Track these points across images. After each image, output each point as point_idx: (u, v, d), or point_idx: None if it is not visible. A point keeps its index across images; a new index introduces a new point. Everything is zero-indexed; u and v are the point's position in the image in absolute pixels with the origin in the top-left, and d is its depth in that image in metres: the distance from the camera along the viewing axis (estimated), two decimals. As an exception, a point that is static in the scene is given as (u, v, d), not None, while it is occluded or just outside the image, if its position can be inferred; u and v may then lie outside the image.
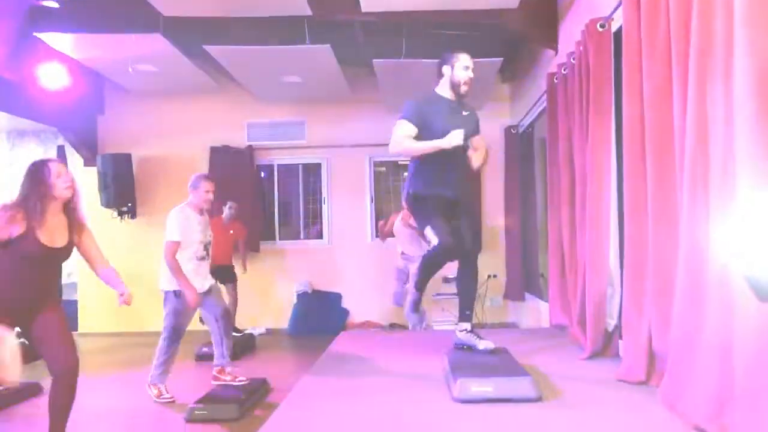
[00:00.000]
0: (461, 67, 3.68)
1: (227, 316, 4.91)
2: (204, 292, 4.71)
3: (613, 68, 3.92)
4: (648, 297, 3.19)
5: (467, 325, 3.86)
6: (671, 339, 2.80)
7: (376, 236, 7.11)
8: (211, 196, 4.76)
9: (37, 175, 3.18)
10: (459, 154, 3.68)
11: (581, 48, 4.26)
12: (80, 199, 3.33)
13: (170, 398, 4.63)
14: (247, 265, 7.33)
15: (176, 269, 4.52)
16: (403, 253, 6.75)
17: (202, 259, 4.72)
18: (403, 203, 6.64)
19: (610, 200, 3.98)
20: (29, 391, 4.82)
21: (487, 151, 3.90)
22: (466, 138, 3.65)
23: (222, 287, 6.00)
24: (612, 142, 3.96)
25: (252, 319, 8.09)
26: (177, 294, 4.57)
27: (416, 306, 4.12)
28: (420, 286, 4.01)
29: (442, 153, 3.57)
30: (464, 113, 3.77)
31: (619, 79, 3.59)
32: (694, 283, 2.58)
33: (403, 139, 3.64)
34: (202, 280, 4.69)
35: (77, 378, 3.26)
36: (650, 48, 3.04)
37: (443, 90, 3.75)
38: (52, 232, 3.16)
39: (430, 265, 3.86)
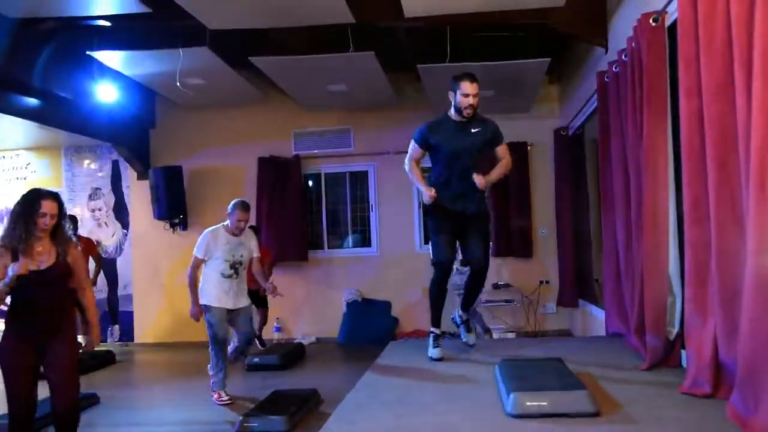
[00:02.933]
0: (461, 94, 3.96)
1: (246, 343, 5.23)
2: (230, 309, 4.99)
3: (668, 64, 3.75)
4: (712, 304, 3.01)
5: (464, 315, 4.54)
6: (740, 349, 2.62)
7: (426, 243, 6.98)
8: (242, 225, 5.03)
9: (27, 208, 3.34)
10: (470, 170, 4.01)
11: (633, 44, 4.10)
12: (65, 224, 3.48)
13: (228, 400, 4.98)
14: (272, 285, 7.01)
15: (190, 282, 4.96)
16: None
17: (229, 277, 4.98)
18: None
19: (668, 202, 3.80)
20: (87, 401, 4.91)
21: (509, 162, 4.19)
22: (474, 153, 4.07)
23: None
24: (668, 141, 3.78)
25: (301, 329, 8.12)
26: (208, 307, 4.95)
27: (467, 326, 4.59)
28: (435, 322, 4.29)
29: (451, 168, 4.05)
30: (473, 130, 4.05)
31: (674, 76, 3.43)
32: (765, 288, 2.41)
33: (411, 162, 4.24)
34: (228, 297, 4.98)
35: (76, 417, 3.43)
36: (708, 41, 2.88)
37: (452, 112, 4.08)
38: (39, 256, 3.33)
39: (432, 288, 4.22)
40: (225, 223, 5.06)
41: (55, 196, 3.42)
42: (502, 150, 4.18)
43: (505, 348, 4.59)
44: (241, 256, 5.05)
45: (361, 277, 8.20)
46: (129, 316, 8.50)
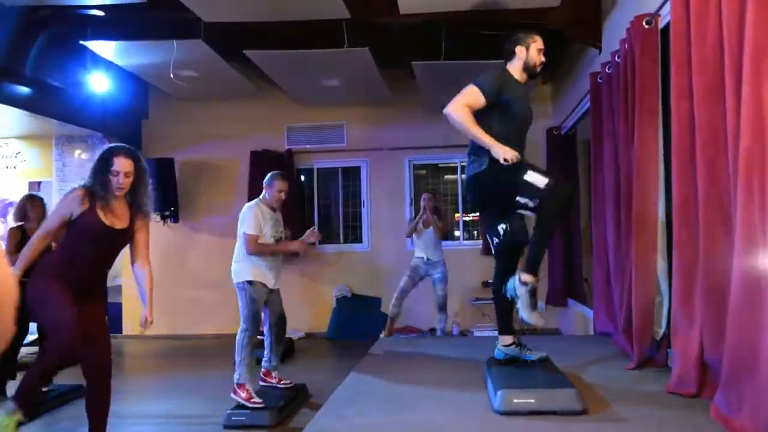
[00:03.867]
0: (537, 48, 3.45)
1: (282, 323, 4.94)
2: (271, 289, 4.72)
3: (660, 66, 3.78)
4: (699, 304, 3.04)
5: (509, 339, 3.52)
6: (725, 349, 2.65)
7: (408, 236, 6.98)
8: (283, 195, 4.78)
9: (101, 165, 3.24)
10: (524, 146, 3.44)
11: (626, 46, 4.12)
12: (145, 187, 3.35)
13: (261, 403, 4.33)
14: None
15: (265, 251, 4.60)
16: (428, 260, 6.62)
17: (274, 254, 4.72)
18: (426, 199, 6.57)
19: (658, 203, 3.83)
20: (72, 393, 4.90)
21: None
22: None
23: None
24: (659, 142, 3.82)
25: (291, 324, 8.10)
26: (251, 282, 4.56)
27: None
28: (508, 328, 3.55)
29: (513, 138, 3.28)
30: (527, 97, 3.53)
31: (666, 78, 3.46)
32: (751, 289, 2.44)
33: (465, 109, 3.21)
34: (270, 274, 4.69)
35: (110, 379, 3.32)
36: (700, 44, 2.90)
37: (515, 71, 3.44)
38: (114, 214, 3.23)
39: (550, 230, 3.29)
40: (261, 198, 4.79)
41: (131, 153, 3.28)
42: None
43: (494, 345, 4.61)
44: (281, 232, 4.82)
45: (352, 273, 8.21)
46: (118, 307, 8.47)
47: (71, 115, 7.18)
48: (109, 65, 6.59)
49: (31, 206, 5.01)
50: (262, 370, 4.91)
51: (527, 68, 3.45)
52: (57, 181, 8.64)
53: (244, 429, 4.10)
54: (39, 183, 8.71)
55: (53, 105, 6.84)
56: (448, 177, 8.56)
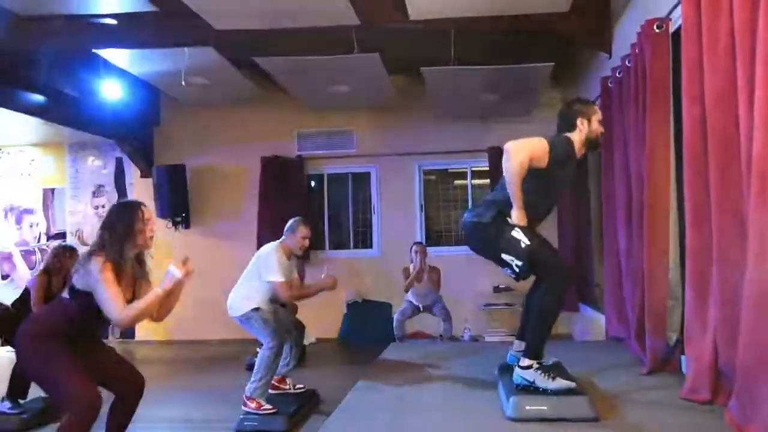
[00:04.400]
0: (597, 120, 3.35)
1: (300, 327, 5.01)
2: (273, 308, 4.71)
3: (671, 71, 3.76)
4: (712, 310, 3.02)
5: (531, 362, 3.10)
6: (739, 356, 2.63)
7: (406, 291, 6.69)
8: (307, 243, 4.71)
9: (126, 215, 3.05)
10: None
11: (637, 50, 4.11)
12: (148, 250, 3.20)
13: (272, 409, 4.35)
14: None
15: (299, 295, 4.79)
16: (423, 308, 6.65)
17: (275, 302, 4.70)
18: (416, 251, 6.53)
19: (669, 208, 3.81)
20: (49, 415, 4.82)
21: None
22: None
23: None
24: (671, 147, 3.80)
25: (302, 328, 8.12)
26: (257, 309, 4.52)
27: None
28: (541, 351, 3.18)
29: (544, 203, 3.34)
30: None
31: (677, 82, 3.44)
32: (765, 296, 2.42)
33: (525, 162, 3.09)
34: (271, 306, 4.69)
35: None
36: (712, 48, 2.89)
37: (576, 140, 3.34)
38: (124, 283, 3.01)
39: (557, 305, 3.19)
40: (281, 242, 4.70)
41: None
42: None
43: (505, 351, 4.59)
44: (292, 278, 4.74)
45: (362, 278, 8.21)
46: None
47: (84, 123, 7.25)
48: (121, 73, 6.65)
49: (69, 257, 4.86)
50: (276, 376, 4.87)
51: (589, 142, 3.36)
52: (70, 188, 8.71)
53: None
54: (53, 190, 8.79)
55: (66, 113, 6.90)
56: (458, 182, 8.55)
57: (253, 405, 4.34)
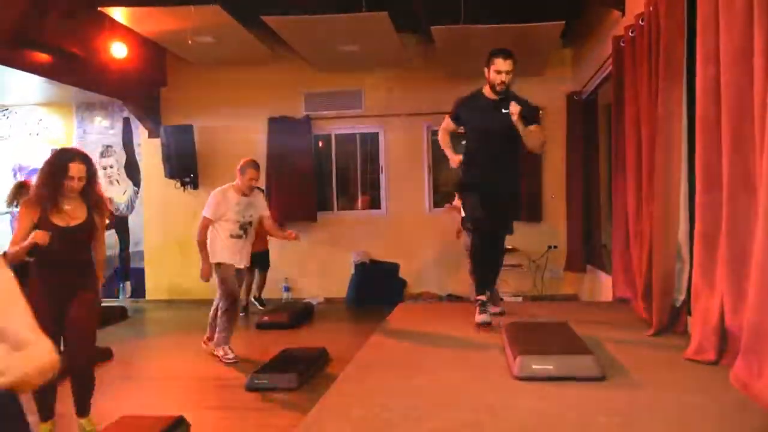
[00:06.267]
0: (494, 70, 4.01)
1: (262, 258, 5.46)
2: (238, 268, 5.06)
3: (686, 29, 3.69)
4: (720, 271, 3.02)
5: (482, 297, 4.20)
6: (746, 315, 2.64)
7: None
8: (253, 183, 5.04)
9: (53, 170, 3.36)
10: (503, 152, 4.15)
11: (651, 8, 4.02)
12: (96, 179, 3.52)
13: (233, 358, 4.96)
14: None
15: (200, 242, 4.99)
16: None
17: (238, 237, 5.01)
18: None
19: (681, 169, 3.79)
20: (101, 355, 5.02)
21: (543, 143, 4.29)
22: (506, 135, 4.06)
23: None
24: (683, 107, 3.75)
25: (309, 290, 8.21)
26: (219, 265, 4.97)
27: (482, 305, 4.21)
28: (480, 289, 4.27)
29: (480, 147, 4.22)
30: (504, 111, 4.01)
31: (692, 42, 3.38)
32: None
33: (442, 132, 4.44)
34: (237, 257, 5.03)
35: (89, 375, 3.49)
36: (728, 5, 2.83)
37: (486, 89, 4.14)
38: (67, 213, 3.38)
39: (475, 253, 4.38)
40: (234, 183, 5.06)
41: (83, 158, 3.42)
42: (535, 130, 4.09)
43: (512, 311, 4.64)
44: (251, 216, 5.08)
45: (370, 239, 8.24)
46: (140, 272, 8.62)
47: (90, 82, 7.21)
48: (127, 32, 6.58)
49: (23, 194, 5.12)
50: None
51: (490, 86, 4.09)
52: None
53: (267, 392, 4.18)
54: (60, 150, 8.80)
55: (73, 72, 6.86)
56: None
57: (220, 352, 4.99)
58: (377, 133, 8.35)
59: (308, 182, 8.16)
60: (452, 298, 7.73)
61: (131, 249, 8.70)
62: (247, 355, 5.13)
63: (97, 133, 8.75)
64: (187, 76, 8.24)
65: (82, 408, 3.47)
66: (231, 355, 4.99)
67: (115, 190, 8.69)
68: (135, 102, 8.13)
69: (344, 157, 8.55)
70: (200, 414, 3.70)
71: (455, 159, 4.26)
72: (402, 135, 8.24)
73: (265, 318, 6.43)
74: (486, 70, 4.07)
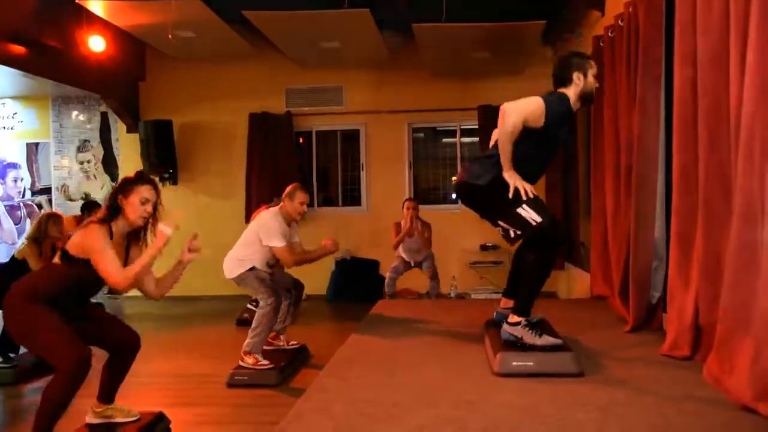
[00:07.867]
0: (593, 74, 3.31)
1: (299, 287, 4.98)
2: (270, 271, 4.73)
3: (664, 31, 3.75)
4: (695, 269, 3.09)
5: (520, 319, 3.14)
6: (720, 311, 2.71)
7: (395, 248, 6.62)
8: (305, 208, 4.67)
9: (121, 193, 3.12)
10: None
11: (630, 9, 4.09)
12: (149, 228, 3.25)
13: (269, 364, 4.37)
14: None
15: (299, 262, 4.62)
16: (413, 264, 6.60)
17: (272, 266, 4.72)
18: (408, 208, 6.46)
19: (658, 168, 3.85)
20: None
21: None
22: None
23: None
24: (661, 108, 3.82)
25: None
26: (252, 269, 4.55)
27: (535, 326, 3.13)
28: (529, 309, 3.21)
29: (544, 156, 3.32)
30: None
31: (670, 43, 3.43)
32: (748, 255, 2.48)
33: (519, 124, 3.08)
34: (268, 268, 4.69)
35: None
36: (706, 8, 2.89)
37: (573, 96, 3.30)
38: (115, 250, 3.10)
39: (547, 263, 3.21)
40: (280, 207, 4.69)
41: (152, 181, 3.20)
42: None
43: (493, 308, 4.67)
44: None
45: (351, 236, 8.24)
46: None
47: (68, 76, 7.11)
48: (105, 25, 6.50)
49: (54, 224, 5.00)
50: (272, 333, 4.82)
51: (583, 96, 3.32)
52: (54, 143, 8.60)
53: (248, 388, 4.18)
54: (37, 144, 8.67)
55: (50, 65, 6.75)
56: (446, 140, 8.54)
57: (251, 360, 4.37)
58: (358, 129, 8.36)
59: (289, 178, 8.12)
60: (432, 295, 7.75)
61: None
62: (228, 353, 5.10)
63: (74, 128, 8.63)
64: (167, 70, 8.16)
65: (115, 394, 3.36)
66: (265, 362, 4.40)
67: (92, 185, 8.59)
68: (113, 96, 8.03)
69: (325, 153, 8.54)
70: (181, 410, 3.69)
71: (523, 185, 3.12)
72: (383, 132, 8.25)
73: (245, 315, 6.41)
74: (579, 74, 3.28)
